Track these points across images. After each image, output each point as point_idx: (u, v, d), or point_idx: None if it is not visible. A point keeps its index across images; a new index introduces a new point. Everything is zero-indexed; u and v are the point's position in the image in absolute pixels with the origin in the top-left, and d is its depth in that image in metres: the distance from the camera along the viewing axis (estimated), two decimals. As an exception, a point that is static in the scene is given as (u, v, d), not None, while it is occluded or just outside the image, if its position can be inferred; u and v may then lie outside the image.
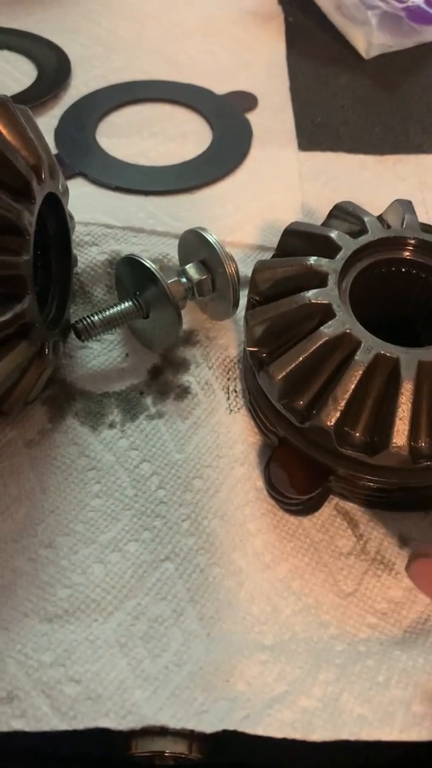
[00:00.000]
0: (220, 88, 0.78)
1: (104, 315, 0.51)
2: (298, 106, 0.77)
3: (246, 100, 0.76)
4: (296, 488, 0.45)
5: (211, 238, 0.52)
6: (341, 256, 0.46)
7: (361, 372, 0.41)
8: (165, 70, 0.80)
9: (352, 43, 0.83)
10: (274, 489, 0.46)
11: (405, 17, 0.82)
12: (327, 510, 0.47)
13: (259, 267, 0.48)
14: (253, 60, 0.82)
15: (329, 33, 0.85)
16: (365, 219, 0.48)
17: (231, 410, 0.52)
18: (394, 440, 0.41)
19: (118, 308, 0.51)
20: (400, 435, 0.41)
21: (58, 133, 0.71)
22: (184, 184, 0.67)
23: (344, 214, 0.50)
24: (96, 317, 0.50)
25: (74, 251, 0.53)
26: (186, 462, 0.49)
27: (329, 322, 0.43)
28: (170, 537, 0.46)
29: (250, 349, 0.46)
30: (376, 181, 0.69)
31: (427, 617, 0.43)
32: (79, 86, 0.77)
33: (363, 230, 0.48)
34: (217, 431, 0.51)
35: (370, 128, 0.75)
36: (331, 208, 0.51)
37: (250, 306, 0.48)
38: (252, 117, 0.75)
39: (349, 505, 0.47)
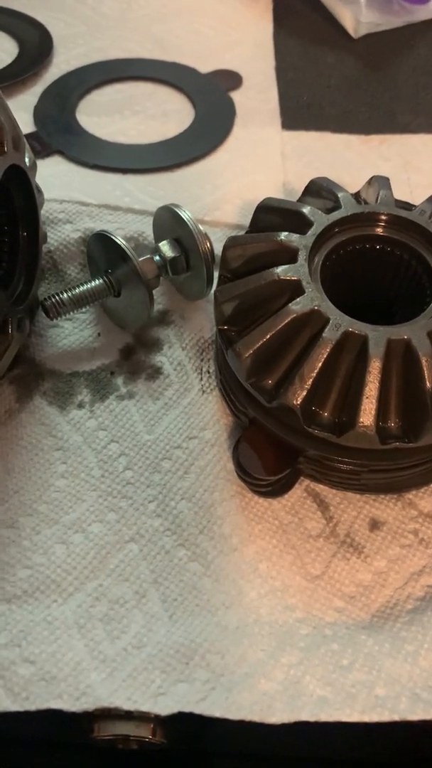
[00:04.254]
0: (206, 67, 0.76)
1: (73, 293, 0.50)
2: (283, 85, 0.75)
3: (230, 79, 0.75)
4: (265, 469, 0.44)
5: (185, 215, 0.51)
6: (312, 232, 0.45)
7: (329, 349, 0.40)
8: (150, 50, 0.79)
9: (341, 21, 0.81)
10: (242, 470, 0.45)
11: (396, -4, 0.80)
12: (297, 492, 0.46)
13: (230, 243, 0.47)
14: (240, 39, 0.81)
15: (318, 12, 0.84)
16: (339, 194, 0.47)
17: (204, 391, 0.51)
18: (361, 419, 0.40)
19: (88, 286, 0.50)
20: (367, 414, 0.40)
21: (38, 110, 0.70)
22: (164, 162, 0.65)
23: (319, 189, 0.49)
24: (65, 295, 0.49)
25: (45, 228, 0.52)
26: (155, 443, 0.48)
27: (297, 299, 0.42)
28: (136, 518, 0.45)
29: (219, 327, 0.45)
30: (361, 162, 0.68)
31: (395, 602, 0.42)
32: (61, 64, 0.76)
33: (337, 206, 0.47)
34: (188, 412, 0.50)
35: (357, 108, 0.73)
36: (309, 185, 0.50)
37: (221, 283, 0.47)
38: (236, 96, 0.73)
39: (320, 487, 0.46)
